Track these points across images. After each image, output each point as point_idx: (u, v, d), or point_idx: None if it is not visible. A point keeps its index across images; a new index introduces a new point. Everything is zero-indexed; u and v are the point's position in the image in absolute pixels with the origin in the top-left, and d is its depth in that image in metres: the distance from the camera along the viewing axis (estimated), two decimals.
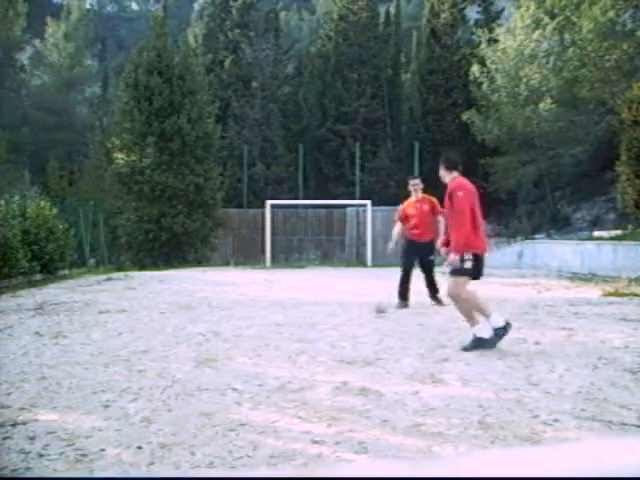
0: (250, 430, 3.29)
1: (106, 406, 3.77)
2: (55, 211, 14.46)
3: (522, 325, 6.83)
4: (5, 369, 4.79)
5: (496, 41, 26.18)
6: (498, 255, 20.24)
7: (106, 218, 22.95)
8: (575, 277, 13.92)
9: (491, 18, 31.15)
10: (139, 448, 3.04)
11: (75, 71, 41.44)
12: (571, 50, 23.90)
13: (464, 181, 5.74)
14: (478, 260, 5.50)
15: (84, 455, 2.95)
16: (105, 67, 46.60)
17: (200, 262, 21.00)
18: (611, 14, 22.51)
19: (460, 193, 5.52)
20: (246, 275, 15.72)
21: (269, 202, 22.14)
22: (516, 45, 24.79)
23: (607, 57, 22.60)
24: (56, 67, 40.85)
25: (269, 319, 7.34)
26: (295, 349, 5.45)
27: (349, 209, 24.21)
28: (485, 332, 5.32)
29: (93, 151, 30.66)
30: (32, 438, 3.19)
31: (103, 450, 3.00)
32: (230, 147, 27.71)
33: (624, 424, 3.35)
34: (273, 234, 21.97)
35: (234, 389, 4.11)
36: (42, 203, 14.11)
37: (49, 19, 41.28)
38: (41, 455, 2.96)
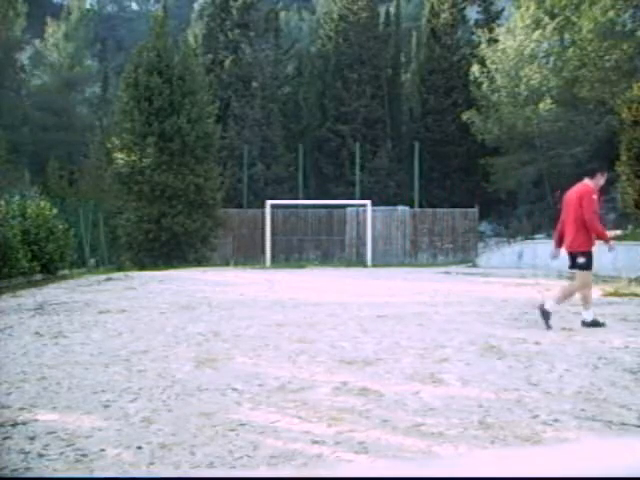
0: (250, 430, 3.28)
1: (106, 406, 3.77)
2: (55, 211, 14.44)
3: (522, 325, 6.83)
4: (5, 369, 4.79)
5: (496, 41, 26.17)
6: (498, 255, 20.26)
7: (106, 218, 22.93)
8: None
9: (491, 18, 31.17)
10: (139, 448, 3.04)
11: (75, 71, 41.37)
12: (571, 50, 23.91)
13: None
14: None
15: (84, 455, 2.94)
16: (105, 67, 46.46)
17: (200, 262, 21.00)
18: (611, 14, 22.52)
19: None
20: (246, 275, 15.72)
21: (269, 202, 22.15)
22: (516, 45, 24.79)
23: (607, 57, 22.60)
24: (56, 67, 40.78)
25: (269, 319, 7.34)
26: (295, 349, 5.45)
27: (349, 209, 24.22)
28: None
29: (93, 151, 30.59)
30: (32, 438, 3.19)
31: (103, 450, 3.00)
32: (230, 147, 27.69)
33: (624, 424, 3.35)
34: (273, 234, 21.98)
35: (234, 389, 4.11)
36: (42, 203, 14.09)
37: (49, 19, 41.20)
38: (41, 455, 2.96)
